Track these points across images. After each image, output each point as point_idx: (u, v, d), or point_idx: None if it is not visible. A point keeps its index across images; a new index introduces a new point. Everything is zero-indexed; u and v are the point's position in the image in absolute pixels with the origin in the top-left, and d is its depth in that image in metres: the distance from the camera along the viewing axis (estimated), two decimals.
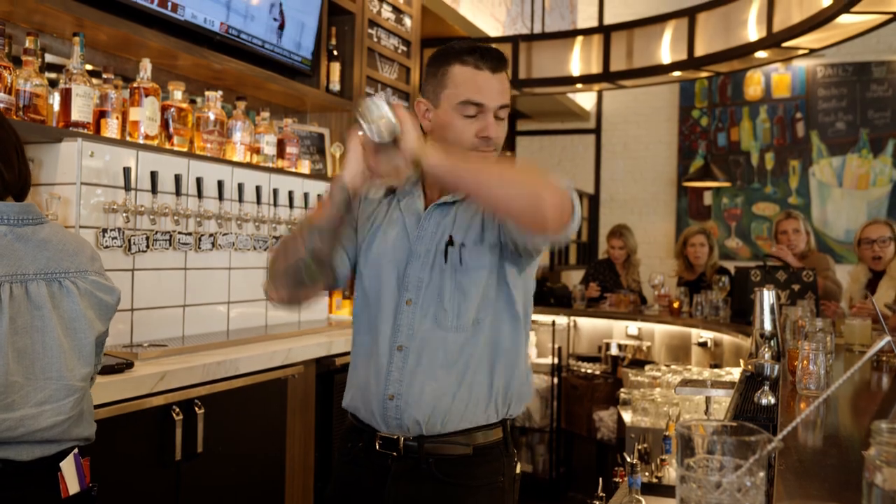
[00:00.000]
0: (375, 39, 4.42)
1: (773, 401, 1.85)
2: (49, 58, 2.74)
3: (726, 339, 4.43)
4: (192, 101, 3.18)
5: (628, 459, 2.18)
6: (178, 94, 2.96)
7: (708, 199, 8.28)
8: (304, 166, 3.77)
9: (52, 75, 2.64)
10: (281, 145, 3.58)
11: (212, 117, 3.14)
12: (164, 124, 2.92)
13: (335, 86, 4.11)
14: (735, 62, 6.00)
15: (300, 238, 1.61)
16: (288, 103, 4.07)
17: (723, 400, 2.71)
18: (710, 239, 5.28)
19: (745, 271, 4.39)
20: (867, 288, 4.06)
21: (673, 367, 3.89)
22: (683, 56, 5.99)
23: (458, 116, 1.61)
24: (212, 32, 3.20)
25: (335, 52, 4.12)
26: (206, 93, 3.19)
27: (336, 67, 4.11)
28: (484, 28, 6.44)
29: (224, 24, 3.26)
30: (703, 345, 4.70)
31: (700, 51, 5.89)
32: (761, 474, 0.89)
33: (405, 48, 4.77)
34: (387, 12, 4.55)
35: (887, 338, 1.13)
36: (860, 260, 4.26)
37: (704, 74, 6.50)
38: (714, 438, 0.93)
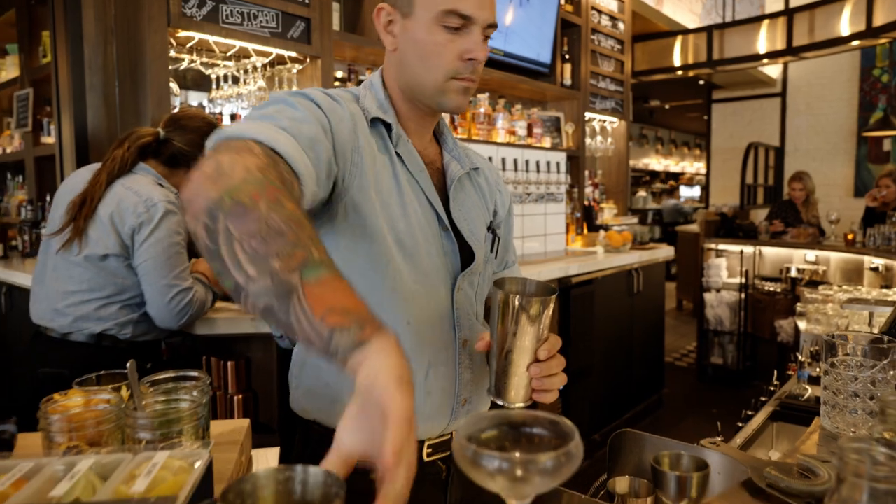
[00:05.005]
0: (596, 43, 4.32)
1: None
2: None
3: None
4: (469, 102, 3.38)
5: (800, 357, 2.08)
6: None
7: (887, 145, 7.10)
8: (546, 142, 3.86)
9: None
10: (529, 128, 3.69)
11: (482, 112, 3.32)
12: (451, 119, 3.14)
13: (567, 81, 4.11)
14: None
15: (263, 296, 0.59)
16: (533, 97, 4.14)
17: (887, 314, 2.45)
18: None
19: None
20: None
21: (844, 287, 3.53)
22: (862, 27, 5.16)
23: (438, 30, 0.90)
24: None
25: (567, 56, 4.10)
26: (478, 96, 3.37)
27: (567, 67, 4.10)
28: (683, 22, 5.98)
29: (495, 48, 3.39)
30: (874, 269, 4.17)
31: (879, 20, 5.03)
32: (892, 372, 0.88)
33: (619, 46, 4.61)
34: (605, 21, 4.42)
35: None
36: None
37: (883, 41, 5.55)
38: (853, 345, 0.93)
